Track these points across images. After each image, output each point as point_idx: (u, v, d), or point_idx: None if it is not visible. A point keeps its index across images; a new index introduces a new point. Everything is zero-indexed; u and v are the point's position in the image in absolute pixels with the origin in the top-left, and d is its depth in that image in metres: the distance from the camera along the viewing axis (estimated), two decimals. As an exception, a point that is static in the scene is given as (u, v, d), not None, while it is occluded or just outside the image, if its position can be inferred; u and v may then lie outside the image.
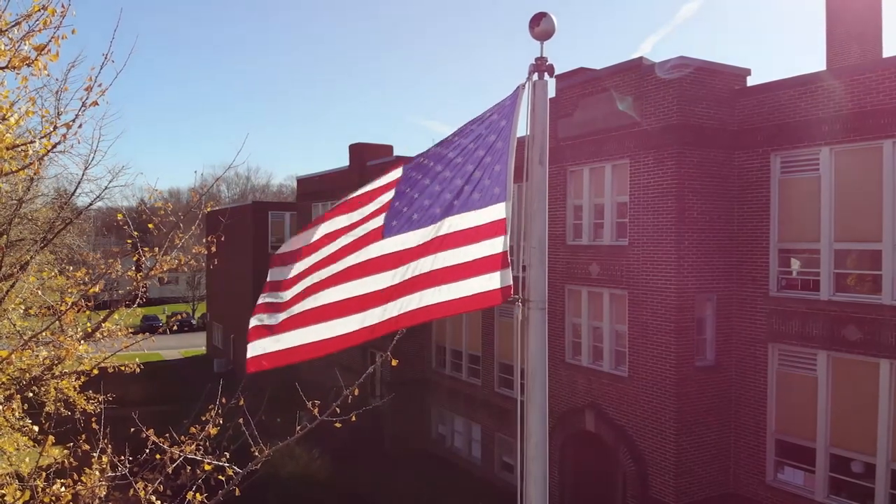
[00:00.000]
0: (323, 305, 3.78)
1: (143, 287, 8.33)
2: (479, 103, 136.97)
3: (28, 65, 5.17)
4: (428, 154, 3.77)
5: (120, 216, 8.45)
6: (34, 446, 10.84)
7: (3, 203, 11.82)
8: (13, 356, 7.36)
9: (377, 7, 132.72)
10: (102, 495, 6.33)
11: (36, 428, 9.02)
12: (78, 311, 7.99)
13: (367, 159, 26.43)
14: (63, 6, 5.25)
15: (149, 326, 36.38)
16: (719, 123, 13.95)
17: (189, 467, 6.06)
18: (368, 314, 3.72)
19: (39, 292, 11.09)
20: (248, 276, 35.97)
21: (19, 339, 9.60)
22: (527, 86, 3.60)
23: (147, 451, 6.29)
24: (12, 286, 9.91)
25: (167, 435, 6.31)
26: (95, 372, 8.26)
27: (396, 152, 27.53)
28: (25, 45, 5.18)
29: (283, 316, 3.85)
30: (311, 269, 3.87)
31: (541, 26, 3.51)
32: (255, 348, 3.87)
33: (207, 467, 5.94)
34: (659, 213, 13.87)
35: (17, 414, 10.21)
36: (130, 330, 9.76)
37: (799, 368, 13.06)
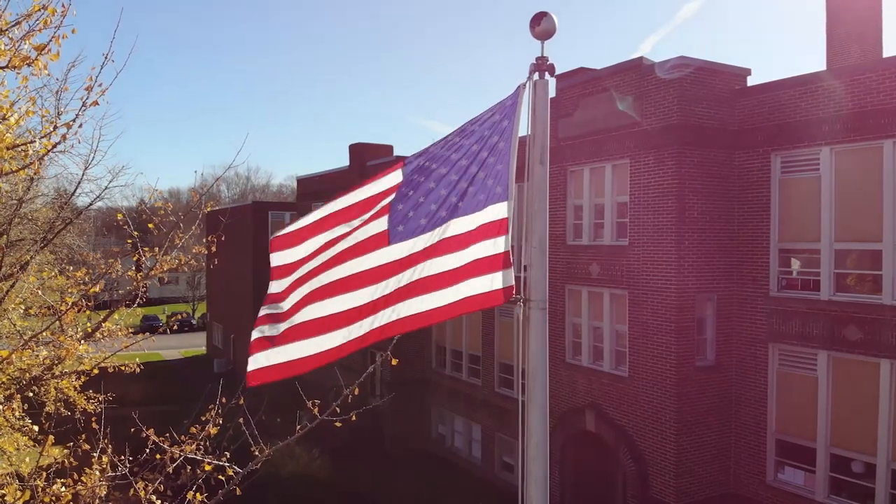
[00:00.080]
0: (329, 315, 3.69)
1: (143, 287, 8.33)
2: (479, 103, 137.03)
3: (28, 64, 5.17)
4: (429, 155, 3.72)
5: (120, 216, 8.45)
6: (34, 446, 10.84)
7: (3, 203, 11.82)
8: (13, 356, 7.36)
9: (377, 7, 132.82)
10: (103, 495, 6.33)
11: (36, 428, 9.02)
12: (78, 311, 7.99)
13: (367, 159, 26.43)
14: (63, 6, 5.26)
15: (149, 326, 36.39)
16: (719, 123, 13.94)
17: (189, 467, 6.05)
18: (378, 317, 3.69)
19: (39, 292, 11.09)
20: (248, 276, 35.98)
21: (19, 338, 9.60)
22: (527, 85, 3.60)
23: (147, 450, 6.29)
24: (12, 286, 9.91)
25: (167, 435, 6.31)
26: (95, 372, 8.26)
27: (396, 152, 27.53)
28: (26, 44, 5.18)
29: (284, 326, 3.75)
30: (309, 274, 3.78)
31: (541, 26, 3.50)
32: (256, 361, 3.76)
33: (208, 467, 5.94)
34: (659, 213, 13.86)
35: (17, 414, 10.21)
36: (130, 330, 9.77)
37: (799, 368, 13.05)
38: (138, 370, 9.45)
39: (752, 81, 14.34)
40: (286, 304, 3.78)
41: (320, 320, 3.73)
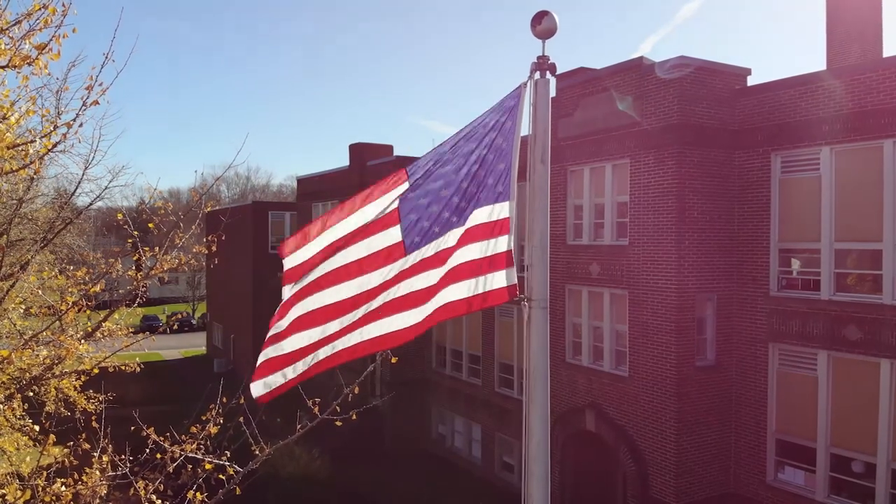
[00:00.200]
0: (346, 326, 3.67)
1: (143, 287, 8.32)
2: (480, 103, 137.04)
3: (29, 64, 5.16)
4: (435, 160, 3.69)
5: (120, 216, 8.44)
6: (35, 446, 10.83)
7: (3, 203, 11.81)
8: (13, 356, 7.36)
9: (377, 8, 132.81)
10: (103, 494, 6.33)
11: (36, 427, 9.01)
12: (78, 311, 7.99)
13: (367, 159, 26.42)
14: (64, 5, 5.26)
15: (149, 326, 36.41)
16: (720, 123, 13.94)
17: (190, 466, 6.05)
18: (389, 321, 3.69)
19: (40, 292, 11.09)
20: (248, 276, 35.98)
21: (20, 338, 9.60)
22: (528, 84, 3.60)
23: (148, 450, 6.29)
24: (12, 286, 9.90)
25: (167, 434, 6.31)
26: (96, 371, 8.26)
27: (396, 152, 27.52)
28: (26, 43, 5.17)
29: (298, 343, 3.68)
30: (322, 298, 3.66)
31: (542, 24, 3.50)
32: (267, 384, 3.73)
33: (208, 466, 5.94)
34: (659, 213, 13.86)
35: (17, 413, 10.20)
36: (130, 330, 9.76)
37: (799, 368, 13.05)
38: (138, 370, 9.45)
39: (752, 81, 14.35)
40: (293, 317, 3.67)
41: (340, 331, 3.67)
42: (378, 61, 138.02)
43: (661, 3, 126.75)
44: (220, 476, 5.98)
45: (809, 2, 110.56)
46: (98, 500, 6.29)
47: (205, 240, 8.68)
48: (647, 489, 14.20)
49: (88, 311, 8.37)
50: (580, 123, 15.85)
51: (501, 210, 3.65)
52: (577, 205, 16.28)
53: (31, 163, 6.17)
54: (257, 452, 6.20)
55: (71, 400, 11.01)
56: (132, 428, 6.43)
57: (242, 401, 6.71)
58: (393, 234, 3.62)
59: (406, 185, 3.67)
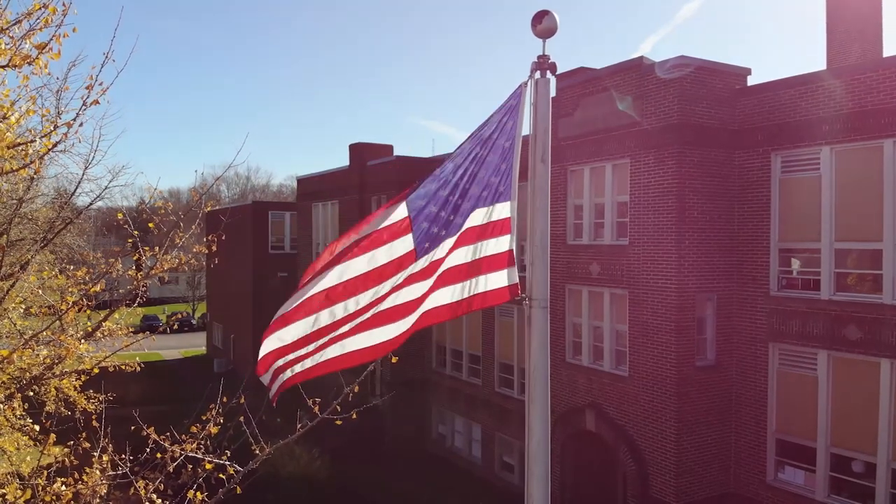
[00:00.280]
0: (356, 326, 3.65)
1: (143, 286, 8.32)
2: (480, 104, 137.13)
3: (29, 63, 5.16)
4: (441, 170, 3.69)
5: (120, 215, 8.44)
6: (35, 445, 10.83)
7: (3, 202, 11.82)
8: (14, 355, 7.36)
9: (378, 9, 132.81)
10: (103, 494, 6.33)
11: (37, 427, 9.01)
12: (78, 311, 7.99)
13: (368, 159, 26.43)
14: (64, 4, 5.26)
15: (149, 326, 36.39)
16: (720, 123, 13.94)
17: (190, 466, 6.06)
18: (397, 325, 3.69)
19: (40, 292, 11.09)
20: (248, 276, 35.99)
21: (20, 338, 9.60)
22: (528, 84, 3.60)
23: (148, 450, 6.29)
24: (13, 286, 9.90)
25: (168, 434, 6.32)
26: (96, 371, 8.25)
27: (396, 152, 27.53)
28: (26, 43, 5.17)
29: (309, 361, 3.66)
30: (326, 297, 3.59)
31: (543, 24, 3.50)
32: (281, 378, 3.70)
33: (208, 466, 5.94)
34: (659, 213, 13.86)
35: (17, 413, 10.20)
36: (130, 329, 9.75)
37: (799, 368, 13.06)
38: (138, 369, 9.44)
39: (752, 81, 14.35)
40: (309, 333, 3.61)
41: (349, 332, 3.66)
42: (378, 61, 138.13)
43: (661, 3, 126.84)
44: (221, 475, 5.98)
45: (809, 2, 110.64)
46: (98, 500, 6.29)
47: (205, 239, 8.67)
48: (648, 489, 14.20)
49: (88, 311, 8.36)
50: (580, 123, 15.85)
51: (503, 210, 3.66)
52: (577, 205, 16.29)
53: (32, 162, 6.17)
54: (257, 452, 6.20)
55: (71, 400, 11.01)
56: (132, 427, 6.44)
57: (243, 400, 6.71)
58: (406, 243, 3.58)
59: (412, 195, 3.61)
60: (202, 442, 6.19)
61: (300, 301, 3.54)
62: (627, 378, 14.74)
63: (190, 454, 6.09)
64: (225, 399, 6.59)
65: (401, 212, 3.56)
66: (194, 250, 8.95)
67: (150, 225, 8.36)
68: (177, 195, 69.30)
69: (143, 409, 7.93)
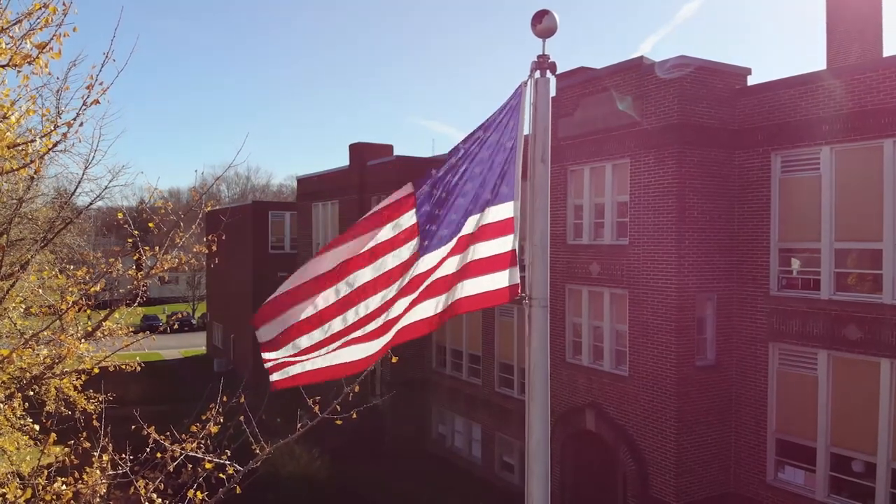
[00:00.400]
0: (369, 332, 3.70)
1: (143, 286, 8.33)
2: (480, 103, 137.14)
3: (29, 63, 5.16)
4: (441, 167, 3.70)
5: (120, 215, 8.45)
6: (35, 445, 10.83)
7: (3, 202, 11.82)
8: (14, 355, 7.36)
9: (378, 9, 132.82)
10: (103, 493, 6.33)
11: (37, 427, 9.01)
12: (78, 310, 7.99)
13: (368, 159, 26.44)
14: (65, 4, 5.26)
15: (149, 326, 36.40)
16: (720, 123, 13.95)
17: (190, 465, 6.06)
18: (413, 313, 3.73)
19: (40, 291, 11.10)
20: (248, 275, 35.98)
21: (20, 337, 9.60)
22: (528, 83, 3.61)
23: (148, 449, 6.29)
24: (13, 285, 9.91)
25: (168, 433, 6.32)
26: (96, 371, 8.26)
27: (396, 152, 27.54)
28: (27, 43, 5.17)
29: (315, 356, 3.67)
30: (337, 306, 3.63)
31: (543, 24, 3.51)
32: (279, 374, 3.70)
33: (208, 465, 5.95)
34: (659, 213, 13.87)
35: (17, 413, 10.20)
36: (131, 329, 9.75)
37: (799, 368, 13.06)
38: (139, 369, 9.45)
39: (752, 81, 14.35)
40: (314, 335, 3.62)
41: (363, 336, 3.70)
42: (378, 61, 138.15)
43: (661, 3, 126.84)
44: (221, 475, 5.99)
45: (809, 2, 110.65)
46: (98, 499, 6.30)
47: (205, 239, 8.67)
48: (647, 489, 14.21)
49: (89, 311, 8.37)
50: (580, 123, 15.85)
51: (506, 210, 3.67)
52: (577, 204, 16.29)
53: (32, 162, 6.17)
54: (257, 451, 6.21)
55: (71, 399, 11.01)
56: (133, 427, 6.44)
57: (242, 400, 6.72)
58: (412, 245, 3.64)
59: (412, 195, 3.64)
60: (202, 441, 6.20)
61: (313, 307, 3.59)
62: (627, 378, 14.75)
63: (190, 454, 6.09)
64: (225, 398, 6.60)
65: (409, 217, 3.61)
66: (194, 250, 8.95)
67: (150, 225, 8.37)
68: (177, 195, 69.35)
69: (143, 409, 7.93)
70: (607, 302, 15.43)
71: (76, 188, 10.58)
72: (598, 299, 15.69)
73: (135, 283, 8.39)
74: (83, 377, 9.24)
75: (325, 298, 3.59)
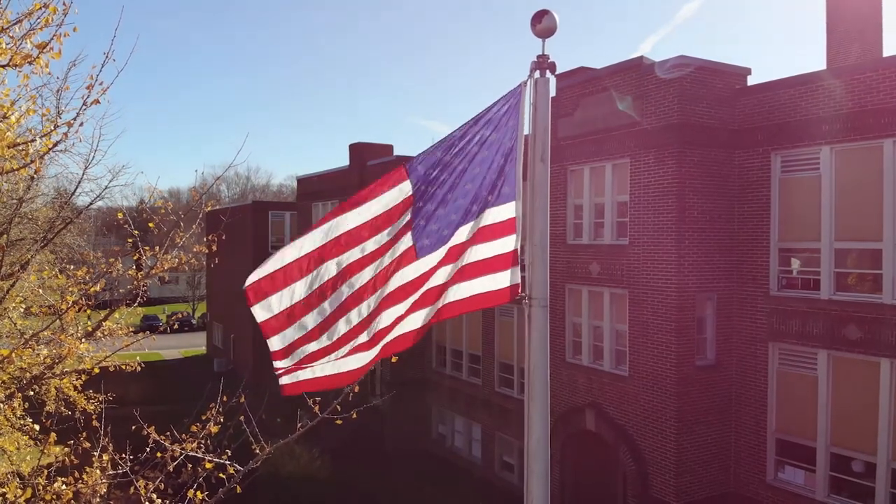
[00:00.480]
0: (373, 336, 3.70)
1: (143, 286, 8.33)
2: (479, 103, 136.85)
3: (30, 62, 5.17)
4: (436, 162, 3.68)
5: (120, 215, 8.45)
6: (35, 445, 10.83)
7: (3, 202, 11.82)
8: (14, 355, 7.36)
9: (377, 8, 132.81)
10: (103, 493, 6.34)
11: (37, 427, 9.02)
12: (79, 310, 7.99)
13: (368, 159, 26.44)
14: (65, 4, 5.26)
15: (149, 326, 36.41)
16: (720, 123, 13.95)
17: (190, 465, 6.06)
18: (405, 323, 3.75)
19: (40, 291, 11.10)
20: (247, 275, 35.92)
21: (20, 337, 9.60)
22: (528, 83, 3.61)
23: (148, 449, 6.30)
24: (13, 285, 9.92)
25: (168, 433, 6.32)
26: (96, 371, 8.26)
27: (396, 152, 27.53)
28: (27, 42, 5.18)
29: (314, 346, 3.65)
30: (339, 302, 3.63)
31: (542, 23, 3.51)
32: (289, 377, 3.69)
33: (208, 465, 5.95)
34: (659, 213, 13.87)
35: (17, 413, 10.21)
36: (131, 329, 9.76)
37: (799, 368, 13.06)
38: (139, 369, 9.45)
39: (752, 81, 14.35)
40: (310, 326, 3.61)
41: (366, 343, 3.70)
42: (378, 61, 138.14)
43: (661, 3, 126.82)
44: (221, 475, 5.99)
45: (809, 2, 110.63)
46: (98, 499, 6.30)
47: (205, 239, 8.67)
48: (648, 488, 14.21)
49: (89, 311, 8.37)
50: (580, 123, 15.86)
51: (507, 210, 3.67)
52: (577, 204, 16.29)
53: (32, 162, 6.18)
54: (257, 451, 6.21)
55: (71, 399, 11.01)
56: (133, 427, 6.45)
57: (243, 400, 6.72)
58: (405, 241, 3.65)
59: (408, 185, 3.65)
60: (202, 441, 6.20)
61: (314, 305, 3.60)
62: (627, 378, 14.75)
63: (190, 453, 6.10)
64: (225, 398, 6.60)
65: (406, 216, 3.64)
66: (194, 250, 8.96)
67: (150, 225, 8.37)
68: (177, 195, 69.36)
69: (144, 409, 7.94)
70: (607, 302, 15.43)
71: (76, 188, 10.59)
72: (598, 299, 15.69)
73: (135, 283, 8.40)
74: (83, 377, 9.24)
75: (332, 302, 3.61)
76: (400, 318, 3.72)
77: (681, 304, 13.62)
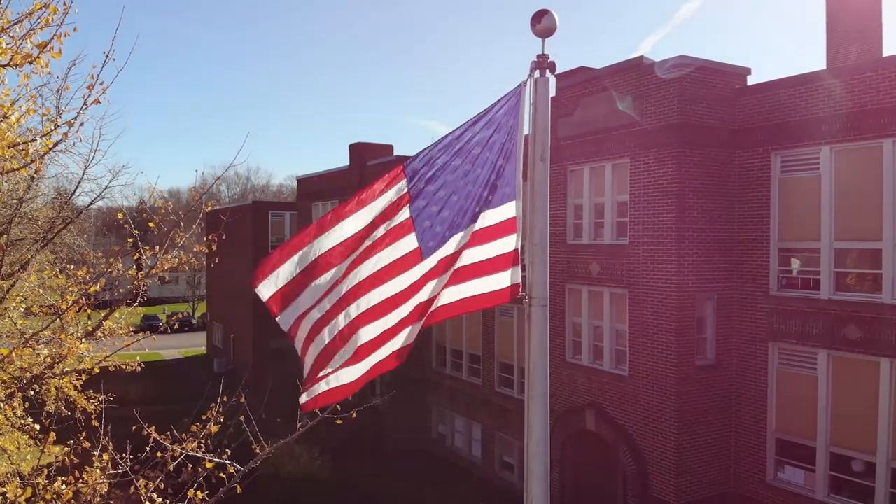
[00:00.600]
0: (377, 336, 3.69)
1: (143, 286, 8.33)
2: (479, 103, 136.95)
3: (30, 62, 5.17)
4: (435, 162, 3.66)
5: (120, 215, 8.46)
6: (35, 444, 10.83)
7: (3, 202, 11.83)
8: (14, 354, 7.36)
9: (376, 8, 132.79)
10: (103, 493, 6.34)
11: (37, 426, 9.02)
12: (79, 310, 7.99)
13: (367, 159, 26.43)
14: (65, 4, 5.26)
15: (149, 326, 36.43)
16: (720, 122, 13.95)
17: (190, 465, 6.06)
18: (412, 328, 3.74)
19: (40, 291, 11.10)
20: (248, 275, 35.92)
21: (20, 337, 9.61)
22: (528, 83, 3.61)
23: (148, 449, 6.30)
24: (13, 285, 9.92)
25: (168, 433, 6.33)
26: (96, 371, 8.26)
27: (396, 152, 27.53)
28: (27, 42, 5.18)
29: (336, 357, 3.66)
30: (342, 301, 3.63)
31: (542, 23, 3.51)
32: (311, 391, 3.69)
33: (209, 465, 5.95)
34: (659, 212, 13.87)
35: (18, 412, 10.21)
36: (131, 329, 9.76)
37: (799, 367, 13.06)
38: (139, 369, 9.46)
39: (751, 81, 14.34)
40: (326, 335, 3.60)
41: (371, 342, 3.68)
42: (377, 61, 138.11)
43: (661, 3, 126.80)
44: (221, 475, 5.99)
45: (809, 1, 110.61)
46: (98, 499, 6.30)
47: (205, 239, 8.67)
48: (648, 488, 14.21)
49: (89, 311, 8.37)
50: (580, 123, 15.86)
51: (507, 210, 3.68)
52: (577, 204, 16.29)
53: (32, 162, 6.18)
54: (258, 451, 6.22)
55: (71, 399, 11.02)
56: (133, 427, 6.45)
57: (243, 399, 6.72)
58: (409, 242, 3.63)
59: (404, 184, 3.65)
60: (202, 441, 6.21)
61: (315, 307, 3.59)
62: (627, 377, 14.75)
63: (190, 453, 6.10)
64: (225, 398, 6.60)
65: (404, 213, 3.62)
66: (194, 250, 8.96)
67: (151, 224, 8.38)
68: (177, 195, 69.35)
69: (144, 409, 7.94)
70: (607, 302, 15.43)
71: (76, 188, 10.60)
72: (598, 299, 15.69)
73: (135, 282, 8.40)
74: (83, 377, 9.25)
75: (346, 315, 3.60)
76: (417, 313, 3.70)
77: (681, 304, 13.62)
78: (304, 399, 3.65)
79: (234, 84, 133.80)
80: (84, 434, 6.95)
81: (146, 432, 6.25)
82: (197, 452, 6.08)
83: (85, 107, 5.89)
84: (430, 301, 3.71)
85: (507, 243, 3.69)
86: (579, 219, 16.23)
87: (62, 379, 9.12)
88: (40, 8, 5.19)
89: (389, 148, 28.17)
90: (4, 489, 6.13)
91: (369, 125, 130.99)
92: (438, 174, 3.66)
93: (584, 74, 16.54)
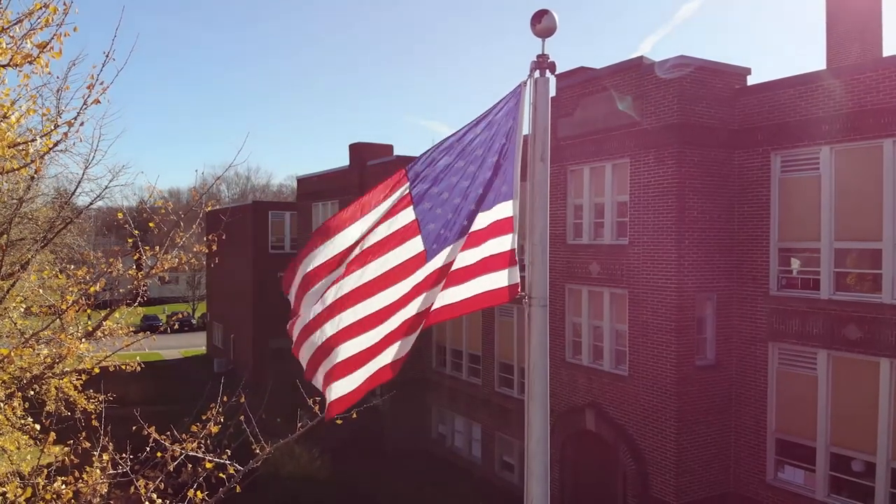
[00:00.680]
0: (385, 337, 3.70)
1: (143, 286, 8.33)
2: (479, 103, 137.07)
3: (30, 62, 5.17)
4: (437, 164, 3.67)
5: (120, 215, 8.46)
6: (35, 444, 10.84)
7: (3, 202, 11.83)
8: (14, 354, 7.37)
9: (377, 8, 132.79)
10: (103, 493, 6.34)
11: (37, 426, 9.02)
12: (79, 310, 8.00)
13: (367, 159, 26.45)
14: (65, 4, 5.27)
15: (149, 326, 36.44)
16: (720, 122, 13.95)
17: (190, 465, 6.07)
18: (408, 339, 3.74)
19: (40, 291, 11.11)
20: (248, 275, 35.97)
21: (20, 337, 9.61)
22: (528, 83, 3.61)
23: (148, 449, 6.30)
24: (13, 285, 9.92)
25: (168, 433, 6.33)
26: (96, 371, 8.27)
27: (396, 152, 27.54)
28: (27, 42, 5.18)
29: (336, 359, 3.70)
30: (346, 299, 3.63)
31: (542, 23, 3.51)
32: (330, 393, 3.76)
33: (209, 465, 5.96)
34: (659, 213, 13.87)
35: (18, 412, 10.21)
36: (131, 329, 9.76)
37: (799, 367, 13.06)
38: (139, 369, 9.45)
39: (751, 81, 14.35)
40: (326, 336, 3.62)
41: (380, 343, 3.69)
42: (377, 61, 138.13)
43: (661, 3, 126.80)
44: (221, 475, 6.00)
45: (809, 1, 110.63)
46: (98, 499, 6.30)
47: (205, 239, 8.67)
48: (648, 488, 14.21)
49: (89, 311, 8.38)
50: (580, 123, 15.86)
51: (505, 209, 3.68)
52: (577, 204, 16.29)
53: (32, 162, 6.18)
54: (257, 451, 6.22)
55: (71, 399, 11.02)
56: (133, 427, 6.45)
57: (243, 399, 6.72)
58: (415, 245, 3.63)
59: (407, 187, 3.65)
60: (202, 441, 6.21)
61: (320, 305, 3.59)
62: (627, 378, 14.75)
63: (190, 453, 6.10)
64: (225, 398, 6.61)
65: (408, 215, 3.62)
66: (194, 250, 8.96)
67: (151, 225, 8.38)
68: (177, 195, 69.35)
69: (144, 409, 7.94)
70: (607, 302, 15.43)
71: (76, 188, 10.60)
72: (598, 299, 15.69)
73: (135, 282, 8.40)
74: (83, 377, 9.25)
75: (356, 315, 3.62)
76: (421, 316, 3.69)
77: (681, 304, 13.62)
78: (327, 403, 3.70)
79: (234, 84, 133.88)
80: (84, 434, 6.95)
81: (146, 432, 6.26)
82: (197, 452, 6.09)
83: (85, 107, 5.90)
84: (427, 309, 3.71)
85: (503, 242, 3.69)
86: (579, 219, 16.23)
87: (62, 379, 9.12)
88: (40, 8, 5.19)
89: (389, 148, 28.18)
90: (4, 489, 6.13)
91: (369, 125, 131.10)
92: (441, 176, 3.66)
93: (584, 74, 16.55)
